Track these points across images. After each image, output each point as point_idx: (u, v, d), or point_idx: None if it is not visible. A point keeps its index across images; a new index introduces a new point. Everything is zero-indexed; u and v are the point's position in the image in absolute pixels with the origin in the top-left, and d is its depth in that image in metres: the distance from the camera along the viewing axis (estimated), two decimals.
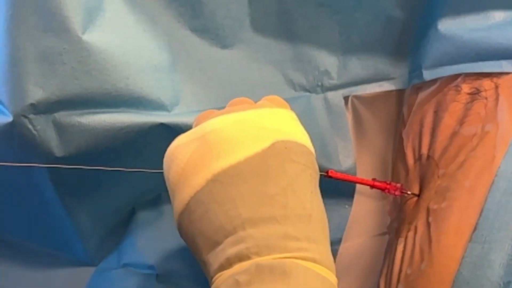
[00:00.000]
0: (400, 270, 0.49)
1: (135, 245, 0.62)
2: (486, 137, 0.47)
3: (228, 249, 0.37)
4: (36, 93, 0.48)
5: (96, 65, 0.50)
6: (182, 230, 0.42)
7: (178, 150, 0.41)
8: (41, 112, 0.49)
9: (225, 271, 0.37)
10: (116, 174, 0.56)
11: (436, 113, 0.53)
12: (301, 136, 0.43)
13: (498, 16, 0.51)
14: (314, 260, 0.37)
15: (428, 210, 0.49)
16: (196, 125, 0.43)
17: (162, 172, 0.43)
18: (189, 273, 0.59)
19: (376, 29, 0.58)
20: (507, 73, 0.49)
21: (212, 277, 0.38)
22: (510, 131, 0.46)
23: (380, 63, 0.60)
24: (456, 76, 0.52)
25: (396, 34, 0.58)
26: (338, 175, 0.52)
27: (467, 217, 0.44)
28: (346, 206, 0.60)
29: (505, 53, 0.50)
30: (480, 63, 0.50)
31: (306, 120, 0.46)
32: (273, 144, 0.40)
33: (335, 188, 0.56)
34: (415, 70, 0.56)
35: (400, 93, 0.60)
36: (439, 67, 0.53)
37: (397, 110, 0.61)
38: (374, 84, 0.60)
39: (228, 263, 0.37)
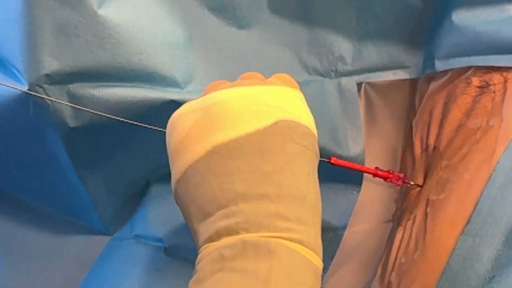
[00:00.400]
0: (396, 259, 0.49)
1: (147, 217, 0.63)
2: (489, 131, 0.46)
3: (218, 222, 0.38)
4: (51, 64, 0.49)
5: (110, 39, 0.50)
6: (178, 197, 0.42)
7: (181, 118, 0.42)
8: (56, 83, 0.50)
9: (212, 243, 0.38)
10: (129, 147, 0.58)
11: (445, 104, 0.52)
12: (305, 117, 0.42)
13: None
14: (300, 242, 0.37)
15: (427, 200, 0.49)
16: (205, 94, 0.43)
17: None
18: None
19: (393, 16, 0.58)
20: None
21: (200, 247, 0.39)
22: None
23: (395, 51, 0.59)
24: (467, 68, 0.51)
25: (412, 22, 0.58)
26: (341, 162, 0.52)
27: (463, 209, 0.44)
28: (354, 192, 0.60)
29: None
30: (492, 57, 0.49)
31: (318, 104, 0.46)
32: (275, 123, 0.40)
33: (343, 173, 0.56)
34: (429, 60, 0.56)
35: (413, 82, 0.59)
36: (451, 58, 0.52)
37: (409, 99, 0.60)
38: (388, 72, 0.60)
39: (216, 235, 0.37)
